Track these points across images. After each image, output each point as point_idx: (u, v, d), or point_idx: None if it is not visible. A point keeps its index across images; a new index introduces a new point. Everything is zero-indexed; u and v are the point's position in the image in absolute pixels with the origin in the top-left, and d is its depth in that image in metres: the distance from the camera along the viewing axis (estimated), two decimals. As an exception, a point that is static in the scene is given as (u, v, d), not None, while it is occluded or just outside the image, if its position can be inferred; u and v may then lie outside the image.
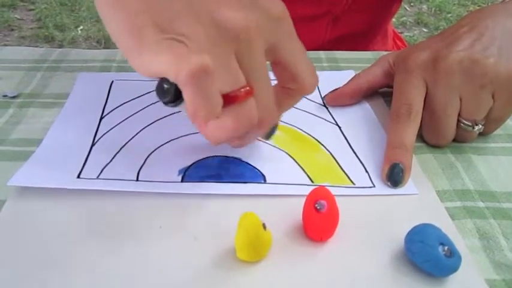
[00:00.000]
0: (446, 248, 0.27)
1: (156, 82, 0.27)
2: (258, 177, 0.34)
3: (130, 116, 0.41)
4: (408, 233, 0.28)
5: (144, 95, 0.43)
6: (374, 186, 0.34)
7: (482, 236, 0.30)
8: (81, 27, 2.53)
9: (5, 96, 0.44)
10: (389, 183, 0.34)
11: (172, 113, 0.41)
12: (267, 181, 0.34)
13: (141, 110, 0.41)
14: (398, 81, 0.38)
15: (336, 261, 0.28)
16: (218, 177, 0.34)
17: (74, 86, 0.45)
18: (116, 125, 0.39)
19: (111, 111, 0.41)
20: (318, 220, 0.29)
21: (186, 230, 0.30)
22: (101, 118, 0.40)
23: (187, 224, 0.31)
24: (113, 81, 0.46)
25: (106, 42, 2.39)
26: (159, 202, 0.32)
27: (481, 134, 0.39)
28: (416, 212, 0.32)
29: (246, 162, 0.36)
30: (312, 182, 0.34)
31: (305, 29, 0.60)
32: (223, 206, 0.32)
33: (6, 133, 0.39)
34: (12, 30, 2.50)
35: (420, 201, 0.33)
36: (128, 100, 0.43)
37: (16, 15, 2.65)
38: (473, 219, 0.31)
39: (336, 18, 0.60)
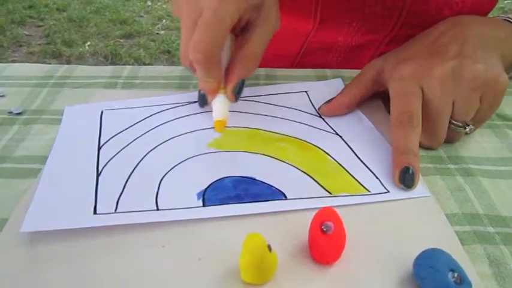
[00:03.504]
0: (456, 274, 0.26)
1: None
2: (278, 194, 0.34)
3: (129, 143, 0.40)
4: (417, 258, 0.27)
5: (139, 122, 0.43)
6: (388, 191, 0.34)
7: (493, 263, 0.29)
8: (89, 43, 2.56)
9: (10, 112, 0.44)
10: (402, 187, 0.35)
11: (172, 138, 0.40)
12: (288, 197, 0.34)
13: (139, 137, 0.40)
14: (395, 89, 0.39)
15: (342, 285, 0.27)
16: (239, 199, 0.33)
17: (62, 119, 0.43)
18: (117, 153, 0.38)
19: (108, 141, 0.40)
20: (324, 242, 0.28)
21: (190, 250, 0.30)
22: (99, 148, 0.39)
23: (191, 244, 0.30)
24: (102, 112, 0.44)
25: (113, 58, 2.42)
26: (162, 221, 0.31)
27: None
28: (426, 235, 0.31)
29: (261, 181, 0.35)
30: (331, 193, 0.34)
31: (349, 59, 0.59)
32: (228, 226, 0.31)
33: (11, 150, 0.39)
34: (21, 46, 2.54)
35: (429, 224, 0.32)
36: (122, 129, 0.41)
37: (25, 32, 2.69)
38: (483, 245, 0.30)
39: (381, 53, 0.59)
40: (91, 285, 0.27)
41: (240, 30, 0.42)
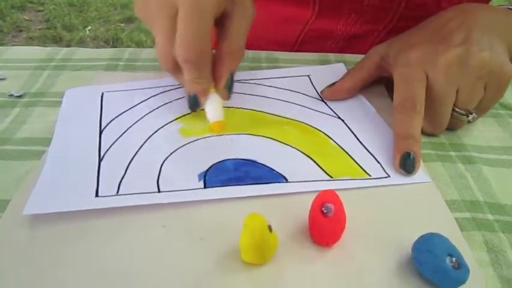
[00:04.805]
0: (454, 259, 0.26)
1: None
2: (279, 177, 0.34)
3: (131, 126, 0.39)
4: (416, 242, 0.28)
5: (139, 103, 0.42)
6: (389, 176, 0.35)
7: (491, 250, 0.29)
8: (89, 27, 2.55)
9: (11, 95, 0.44)
10: (403, 172, 0.35)
11: (172, 120, 0.40)
12: (289, 180, 0.34)
13: (140, 119, 0.40)
14: (400, 75, 0.39)
15: (341, 267, 0.28)
16: (239, 180, 0.33)
17: (62, 103, 0.43)
18: (118, 137, 0.38)
19: (109, 123, 0.40)
20: (325, 224, 0.28)
21: (191, 230, 0.30)
22: (101, 132, 0.39)
23: (192, 224, 0.30)
24: (103, 93, 0.44)
25: (113, 42, 2.41)
26: (163, 203, 0.32)
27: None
28: (425, 220, 0.31)
29: (262, 164, 0.35)
30: (331, 177, 0.34)
31: (348, 48, 0.59)
32: (230, 206, 0.32)
33: (12, 132, 0.39)
34: (21, 31, 2.52)
35: (429, 210, 0.32)
36: (123, 111, 0.41)
37: (25, 16, 2.67)
38: (482, 232, 0.31)
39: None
40: (92, 267, 0.27)
41: (215, 23, 0.40)
